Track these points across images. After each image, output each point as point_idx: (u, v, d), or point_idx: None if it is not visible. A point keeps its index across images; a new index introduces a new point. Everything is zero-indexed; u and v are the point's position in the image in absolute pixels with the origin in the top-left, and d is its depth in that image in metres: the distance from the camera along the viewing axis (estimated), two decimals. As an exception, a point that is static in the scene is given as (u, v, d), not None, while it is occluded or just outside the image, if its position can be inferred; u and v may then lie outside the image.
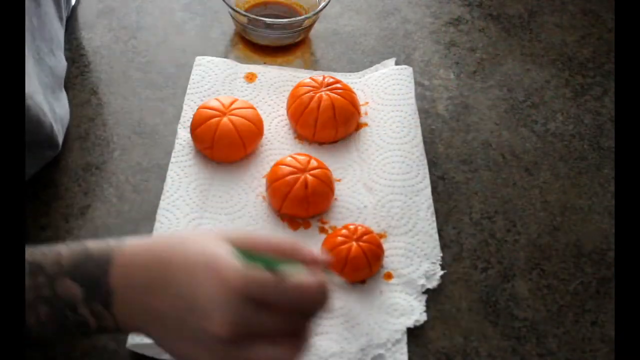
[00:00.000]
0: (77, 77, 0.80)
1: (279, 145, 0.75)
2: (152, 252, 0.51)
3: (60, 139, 0.71)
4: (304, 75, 0.80)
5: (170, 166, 0.72)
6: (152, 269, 0.50)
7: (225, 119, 0.72)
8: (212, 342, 0.47)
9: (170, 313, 0.49)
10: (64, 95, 0.75)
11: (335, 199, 0.71)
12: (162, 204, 0.69)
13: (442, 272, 0.67)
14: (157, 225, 0.67)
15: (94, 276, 0.51)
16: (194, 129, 0.72)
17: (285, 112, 0.77)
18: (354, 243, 0.65)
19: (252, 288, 0.46)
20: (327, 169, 0.70)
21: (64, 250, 0.52)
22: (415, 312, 0.64)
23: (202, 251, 0.49)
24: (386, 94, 0.79)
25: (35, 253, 0.52)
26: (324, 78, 0.76)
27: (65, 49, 0.82)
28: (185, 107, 0.77)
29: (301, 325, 0.49)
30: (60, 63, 0.74)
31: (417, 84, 0.82)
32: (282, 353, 0.47)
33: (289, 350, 0.48)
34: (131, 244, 0.52)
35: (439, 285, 0.67)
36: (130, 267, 0.51)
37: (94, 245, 0.52)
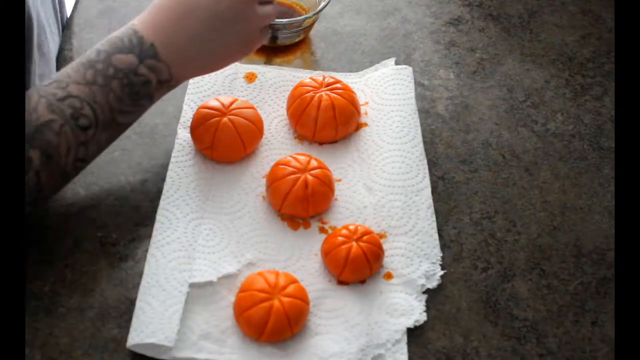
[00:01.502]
0: (77, 77, 0.80)
1: (279, 145, 0.75)
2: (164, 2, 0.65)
3: None
4: (304, 75, 0.80)
5: (170, 166, 0.72)
6: (172, 6, 0.64)
7: (225, 119, 0.72)
8: (244, 11, 0.66)
9: (205, 20, 0.64)
10: None
11: (335, 199, 0.71)
12: (162, 204, 0.69)
13: (442, 272, 0.67)
14: (157, 225, 0.67)
15: (134, 42, 0.63)
16: (194, 129, 0.72)
17: (285, 112, 0.77)
18: (354, 243, 0.65)
19: None
20: (327, 169, 0.70)
21: (96, 45, 0.64)
22: (415, 312, 0.64)
23: None
24: (386, 94, 0.79)
25: (79, 59, 0.63)
26: (324, 78, 0.76)
27: (65, 49, 0.82)
28: (185, 107, 0.77)
29: None
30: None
31: (417, 84, 0.82)
32: (274, 9, 0.70)
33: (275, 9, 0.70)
34: (141, 15, 0.66)
35: (439, 285, 0.67)
36: (154, 20, 0.64)
37: (117, 32, 0.65)
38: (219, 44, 0.66)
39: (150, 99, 0.65)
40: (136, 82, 0.63)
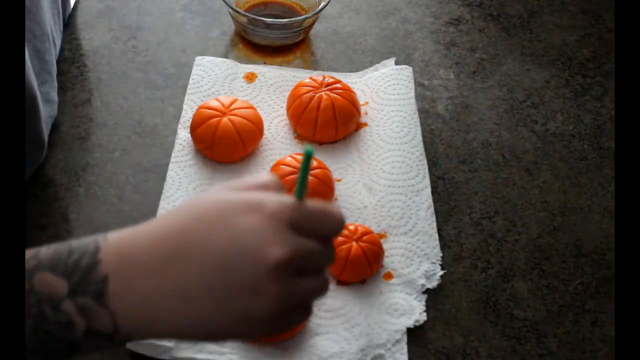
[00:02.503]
0: (77, 77, 0.80)
1: (279, 145, 0.75)
2: (152, 228, 0.44)
3: (46, 137, 0.71)
4: (304, 75, 0.80)
5: (170, 166, 0.72)
6: (162, 239, 0.43)
7: (225, 119, 0.72)
8: (266, 281, 0.42)
9: (201, 276, 0.42)
10: (54, 90, 0.75)
11: (335, 199, 0.71)
12: (162, 204, 0.69)
13: (442, 272, 0.67)
14: (157, 225, 0.67)
15: (80, 265, 0.43)
16: (194, 129, 0.72)
17: (285, 112, 0.77)
18: (354, 243, 0.65)
19: (293, 214, 0.43)
20: (327, 169, 0.70)
21: (44, 248, 0.45)
22: (415, 312, 0.64)
23: (221, 200, 0.44)
24: (386, 94, 0.79)
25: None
26: (324, 78, 0.76)
27: (65, 49, 0.82)
28: (185, 107, 0.77)
29: (331, 249, 0.46)
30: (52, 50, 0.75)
31: (417, 84, 0.82)
32: (325, 282, 0.45)
33: (327, 280, 0.45)
34: (120, 231, 0.45)
35: (439, 285, 0.67)
36: (127, 246, 0.43)
37: (77, 240, 0.45)
38: (209, 314, 0.43)
39: (72, 347, 0.43)
40: (50, 319, 0.42)
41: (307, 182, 0.45)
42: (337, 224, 0.45)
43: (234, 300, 0.42)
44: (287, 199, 0.44)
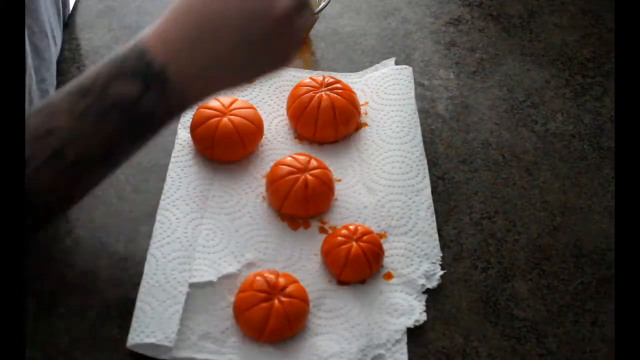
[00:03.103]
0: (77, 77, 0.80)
1: (279, 145, 0.75)
2: (178, 16, 0.54)
3: None
4: (304, 75, 0.80)
5: (170, 166, 0.72)
6: (191, 23, 0.53)
7: (225, 119, 0.72)
8: (280, 27, 0.54)
9: (232, 39, 0.53)
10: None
11: (335, 199, 0.71)
12: (162, 204, 0.69)
13: (442, 272, 0.67)
14: (157, 225, 0.67)
15: (140, 65, 0.52)
16: (194, 129, 0.72)
17: (285, 112, 0.77)
18: (354, 243, 0.65)
19: None
20: (327, 169, 0.71)
21: (97, 65, 0.54)
22: (415, 312, 0.64)
23: None
24: (386, 94, 0.79)
25: (75, 81, 0.54)
26: (324, 78, 0.76)
27: (65, 49, 0.82)
28: (185, 107, 0.77)
29: None
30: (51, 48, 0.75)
31: (417, 84, 0.82)
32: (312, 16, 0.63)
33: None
34: (150, 30, 0.54)
35: (439, 285, 0.67)
36: (167, 31, 0.53)
37: (121, 49, 0.54)
38: (248, 66, 0.56)
39: (153, 131, 0.56)
40: (139, 115, 0.54)
41: None
42: None
43: (260, 49, 0.54)
44: None
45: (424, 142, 0.76)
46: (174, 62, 0.53)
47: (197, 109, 0.73)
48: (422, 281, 0.66)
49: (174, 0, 0.55)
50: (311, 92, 0.75)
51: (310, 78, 0.77)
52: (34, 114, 0.53)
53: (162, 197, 0.70)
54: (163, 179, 0.72)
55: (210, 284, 0.64)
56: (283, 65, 0.58)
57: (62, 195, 0.55)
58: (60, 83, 0.77)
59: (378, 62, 0.83)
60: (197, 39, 0.53)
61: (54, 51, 0.77)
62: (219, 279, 0.64)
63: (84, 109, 0.52)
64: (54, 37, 0.77)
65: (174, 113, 0.55)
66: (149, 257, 0.65)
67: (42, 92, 0.72)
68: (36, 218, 0.55)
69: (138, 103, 0.53)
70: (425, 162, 0.74)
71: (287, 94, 0.78)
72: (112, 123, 0.53)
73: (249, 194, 0.71)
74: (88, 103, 0.52)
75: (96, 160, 0.54)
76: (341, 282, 0.66)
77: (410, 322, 0.63)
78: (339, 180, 0.73)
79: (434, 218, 0.70)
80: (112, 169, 0.57)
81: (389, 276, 0.66)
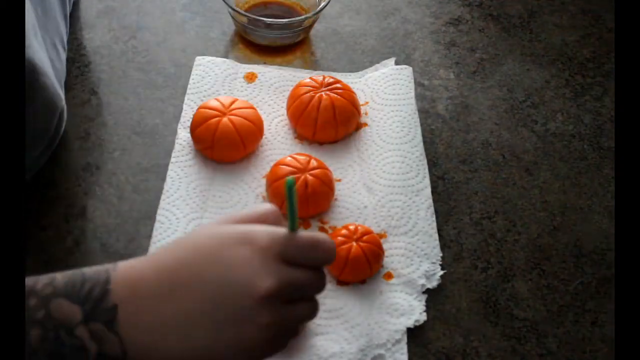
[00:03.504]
0: (77, 77, 0.80)
1: (279, 145, 0.75)
2: (156, 261, 0.48)
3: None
4: (304, 75, 0.80)
5: (170, 166, 0.72)
6: (164, 272, 0.47)
7: (225, 119, 0.72)
8: (256, 311, 0.45)
9: (199, 306, 0.45)
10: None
11: (335, 199, 0.71)
12: (162, 204, 0.69)
13: (442, 272, 0.67)
14: (157, 225, 0.67)
15: (93, 293, 0.46)
16: (194, 129, 0.72)
17: (285, 112, 0.77)
18: (354, 243, 0.65)
19: (283, 247, 0.47)
20: (327, 169, 0.70)
21: (58, 274, 0.47)
22: (415, 312, 0.64)
23: (217, 234, 0.47)
24: (386, 94, 0.79)
25: (26, 280, 0.47)
26: (324, 78, 0.76)
27: (65, 49, 0.82)
28: (185, 107, 0.77)
29: (322, 279, 0.49)
30: (62, 61, 0.75)
31: (417, 84, 0.82)
32: (314, 308, 0.49)
33: (317, 305, 0.49)
34: (128, 262, 0.48)
35: (439, 285, 0.67)
36: (134, 278, 0.47)
37: (89, 269, 0.48)
38: (204, 341, 0.46)
39: None
40: (66, 343, 0.45)
41: (297, 213, 0.47)
42: (328, 254, 0.48)
43: (227, 330, 0.45)
44: (279, 231, 0.47)
45: (424, 142, 0.76)
46: (133, 305, 0.46)
47: (197, 109, 0.73)
48: (422, 281, 0.66)
49: (161, 250, 0.49)
50: (311, 92, 0.75)
51: (310, 78, 0.77)
52: None
53: (162, 197, 0.70)
54: (163, 179, 0.72)
55: (210, 284, 0.64)
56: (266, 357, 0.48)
57: None
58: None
59: (378, 62, 0.83)
60: (165, 293, 0.46)
61: (63, 58, 0.77)
62: (219, 279, 0.64)
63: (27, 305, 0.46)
64: (63, 43, 0.77)
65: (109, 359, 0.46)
66: (149, 257, 0.65)
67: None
68: None
69: (69, 331, 0.45)
70: (425, 162, 0.74)
71: (287, 94, 0.78)
72: (34, 339, 0.45)
73: (248, 194, 0.71)
74: (29, 307, 0.46)
75: None
76: (341, 282, 0.66)
77: (410, 322, 0.63)
78: (339, 180, 0.73)
79: (434, 218, 0.70)
80: None
81: (389, 276, 0.66)
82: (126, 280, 0.46)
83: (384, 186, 0.72)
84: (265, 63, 0.83)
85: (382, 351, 0.62)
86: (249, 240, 0.46)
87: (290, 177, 0.46)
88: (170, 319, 0.46)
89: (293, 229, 0.47)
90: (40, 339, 0.45)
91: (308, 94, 0.75)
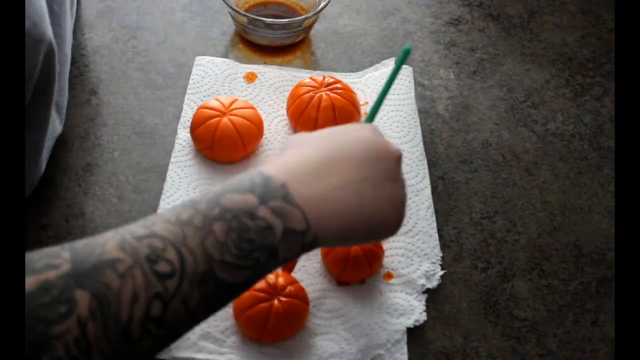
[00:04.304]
0: (77, 77, 0.80)
1: (279, 145, 0.75)
2: (299, 155, 0.51)
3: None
4: (304, 75, 0.80)
5: (170, 166, 0.72)
6: (314, 158, 0.50)
7: (225, 119, 0.72)
8: (399, 170, 0.53)
9: (358, 169, 0.50)
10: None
11: (335, 199, 0.71)
12: (162, 204, 0.69)
13: (442, 272, 0.67)
14: (157, 225, 0.67)
15: (257, 181, 0.47)
16: (194, 129, 0.72)
17: (285, 112, 0.77)
18: (354, 243, 0.65)
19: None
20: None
21: (212, 193, 0.48)
22: (415, 312, 0.64)
23: (327, 130, 0.54)
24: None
25: (188, 201, 0.47)
26: (324, 78, 0.76)
27: (65, 49, 0.82)
28: (185, 107, 0.77)
29: None
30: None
31: (417, 84, 0.82)
32: None
33: None
34: (271, 166, 0.50)
35: (439, 285, 0.67)
36: (289, 168, 0.49)
37: (237, 177, 0.49)
38: (371, 199, 0.50)
39: (272, 252, 0.46)
40: (251, 227, 0.45)
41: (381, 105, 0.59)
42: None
43: (386, 186, 0.51)
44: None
45: (424, 142, 0.76)
46: (295, 180, 0.48)
47: (197, 109, 0.73)
48: (422, 281, 0.66)
49: (292, 138, 0.53)
50: (311, 92, 0.75)
51: (310, 78, 0.77)
52: (137, 222, 0.46)
53: (162, 197, 0.70)
54: (163, 179, 0.72)
55: (210, 284, 0.64)
56: (397, 216, 0.52)
57: (149, 313, 0.43)
58: (60, 83, 0.78)
59: (378, 62, 0.83)
60: (323, 168, 0.49)
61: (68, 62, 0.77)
62: (219, 279, 0.64)
63: (188, 217, 0.45)
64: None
65: (295, 236, 0.47)
66: (149, 257, 0.65)
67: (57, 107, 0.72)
68: (111, 341, 0.42)
69: (251, 215, 0.45)
70: (425, 162, 0.74)
71: (287, 94, 0.78)
72: (217, 233, 0.45)
73: (249, 194, 0.71)
74: (193, 213, 0.45)
75: (196, 275, 0.44)
76: (341, 282, 0.66)
77: (410, 322, 0.63)
78: (339, 180, 0.73)
79: (434, 218, 0.70)
80: (220, 292, 0.45)
81: (389, 276, 0.66)
82: (282, 171, 0.48)
83: (384, 186, 0.71)
84: (265, 63, 0.83)
85: (381, 351, 0.62)
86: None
87: (408, 46, 0.54)
88: (337, 183, 0.49)
89: (370, 120, 0.57)
90: (225, 232, 0.45)
91: (308, 94, 0.75)
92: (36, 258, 0.44)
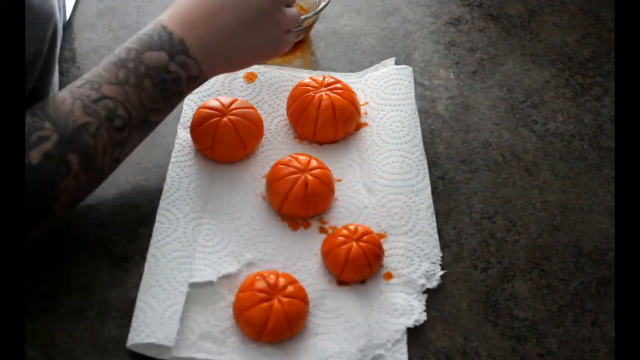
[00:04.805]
0: (77, 77, 0.80)
1: (279, 145, 0.75)
2: (190, 2, 0.65)
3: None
4: (304, 75, 0.80)
5: (170, 166, 0.72)
6: (200, 4, 0.65)
7: (225, 119, 0.72)
8: (275, 12, 0.68)
9: (238, 14, 0.65)
10: None
11: (335, 199, 0.71)
12: (162, 204, 0.69)
13: (442, 272, 0.67)
14: (157, 225, 0.67)
15: (164, 38, 0.63)
16: (194, 129, 0.72)
17: (285, 112, 0.77)
18: (354, 243, 0.65)
19: None
20: (327, 169, 0.70)
21: (125, 44, 0.63)
22: (415, 312, 0.64)
23: None
24: (386, 94, 0.79)
25: (109, 58, 0.63)
26: (324, 78, 0.76)
27: (66, 49, 0.82)
28: (185, 107, 0.77)
29: None
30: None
31: (417, 84, 0.82)
32: (297, 12, 0.72)
33: (298, 11, 0.73)
34: (168, 11, 0.65)
35: (439, 285, 0.67)
36: (182, 16, 0.64)
37: (146, 28, 0.64)
38: (249, 42, 0.67)
39: (181, 95, 0.66)
40: (167, 80, 0.63)
41: None
42: None
43: (264, 28, 0.68)
44: None
45: (424, 142, 0.76)
46: (190, 34, 0.64)
47: (197, 109, 0.73)
48: (422, 281, 0.66)
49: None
50: (311, 92, 0.75)
51: (310, 78, 0.77)
52: (83, 85, 0.61)
53: (162, 197, 0.70)
54: (163, 179, 0.72)
55: (210, 284, 0.64)
56: (274, 50, 0.71)
57: (113, 156, 0.62)
58: (60, 83, 0.77)
59: (378, 62, 0.83)
60: (207, 16, 0.64)
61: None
62: (219, 279, 0.64)
63: (124, 77, 0.61)
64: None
65: (193, 81, 0.65)
66: (149, 257, 0.65)
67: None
68: (93, 182, 0.62)
69: (166, 70, 0.63)
70: (425, 162, 0.74)
71: (287, 94, 0.78)
72: (147, 88, 0.62)
73: (248, 194, 0.71)
74: (127, 72, 0.61)
75: (138, 122, 0.62)
76: (341, 282, 0.66)
77: (410, 322, 0.63)
78: (339, 180, 0.73)
79: (434, 218, 0.70)
80: (149, 129, 0.65)
81: (389, 276, 0.66)
82: (177, 19, 0.64)
83: (384, 186, 0.72)
84: (265, 63, 0.83)
85: (382, 351, 0.62)
86: None
87: None
88: (221, 30, 0.65)
89: None
90: (152, 87, 0.62)
91: (308, 94, 0.75)
92: (26, 132, 0.57)
